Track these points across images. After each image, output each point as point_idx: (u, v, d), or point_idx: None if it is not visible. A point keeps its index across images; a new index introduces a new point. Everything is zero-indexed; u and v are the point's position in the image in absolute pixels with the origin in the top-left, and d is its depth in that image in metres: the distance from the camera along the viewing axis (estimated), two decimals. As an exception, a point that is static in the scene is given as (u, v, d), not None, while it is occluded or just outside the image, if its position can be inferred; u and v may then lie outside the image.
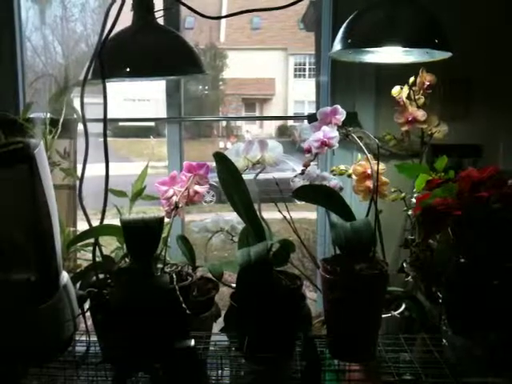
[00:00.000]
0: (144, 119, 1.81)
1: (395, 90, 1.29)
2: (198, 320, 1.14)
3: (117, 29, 1.05)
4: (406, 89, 1.29)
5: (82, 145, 1.07)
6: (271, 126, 5.72)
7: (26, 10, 1.62)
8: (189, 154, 1.66)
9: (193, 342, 0.99)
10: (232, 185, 1.06)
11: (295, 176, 1.14)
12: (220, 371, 1.05)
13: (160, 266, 1.09)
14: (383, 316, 1.11)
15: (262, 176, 1.14)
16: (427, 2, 1.04)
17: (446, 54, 1.08)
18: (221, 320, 1.21)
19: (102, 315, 1.02)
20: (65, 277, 1.04)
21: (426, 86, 1.27)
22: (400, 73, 1.27)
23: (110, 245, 1.25)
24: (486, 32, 1.40)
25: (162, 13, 1.11)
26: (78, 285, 1.13)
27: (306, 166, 1.13)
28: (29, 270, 0.94)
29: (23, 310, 0.95)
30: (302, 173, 1.13)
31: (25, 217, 0.94)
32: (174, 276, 1.04)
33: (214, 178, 1.13)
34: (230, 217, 1.20)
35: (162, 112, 1.61)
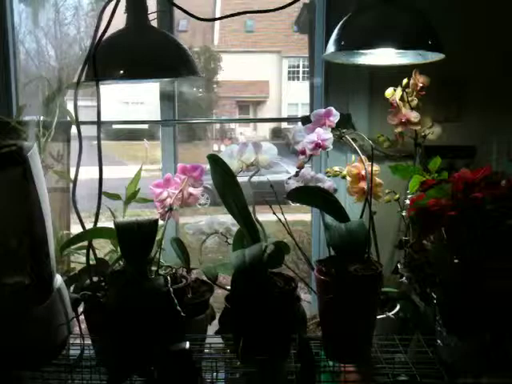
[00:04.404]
0: (138, 121, 1.81)
1: (388, 92, 1.30)
2: (192, 322, 1.14)
3: (110, 31, 1.05)
4: (399, 90, 1.29)
5: (76, 147, 1.07)
6: (265, 129, 5.72)
7: (19, 13, 1.62)
8: (183, 157, 1.66)
9: (188, 345, 0.99)
10: (226, 187, 1.06)
11: (289, 178, 1.14)
12: (215, 373, 1.05)
13: (154, 268, 1.09)
14: (378, 317, 1.11)
15: (256, 178, 1.14)
16: (420, 3, 1.05)
17: (439, 56, 1.08)
18: (216, 322, 1.21)
19: (96, 318, 1.01)
20: (58, 280, 1.03)
21: (419, 87, 1.28)
22: (393, 74, 1.28)
23: (104, 248, 1.24)
24: (479, 33, 1.41)
25: (155, 15, 1.11)
26: (71, 288, 1.12)
27: (300, 167, 1.13)
28: (22, 274, 0.94)
29: (17, 313, 0.94)
30: (296, 174, 1.13)
31: (18, 220, 0.94)
32: (169, 278, 1.04)
33: (208, 181, 1.13)
34: (225, 219, 1.20)
35: (155, 115, 1.61)
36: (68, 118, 1.44)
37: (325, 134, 1.11)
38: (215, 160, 1.06)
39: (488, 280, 0.96)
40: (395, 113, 1.29)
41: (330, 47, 1.08)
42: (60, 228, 1.40)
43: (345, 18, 1.08)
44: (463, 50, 1.34)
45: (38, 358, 0.98)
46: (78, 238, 1.10)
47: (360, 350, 1.05)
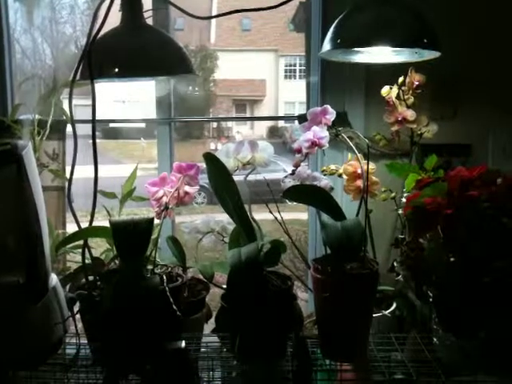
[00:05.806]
0: (134, 120, 1.81)
1: (385, 90, 1.30)
2: (188, 321, 1.13)
3: (105, 29, 1.04)
4: (395, 89, 1.29)
5: (71, 146, 1.06)
6: (262, 127, 5.72)
7: (14, 11, 1.61)
8: (179, 156, 1.66)
9: (184, 344, 0.98)
10: (222, 185, 1.06)
11: (286, 176, 1.14)
12: (211, 372, 1.05)
13: (150, 267, 1.09)
14: (374, 315, 1.11)
15: (252, 177, 1.14)
16: (418, 1, 1.05)
17: (435, 54, 1.08)
18: (212, 321, 1.21)
19: (91, 317, 1.01)
20: (54, 279, 1.03)
21: (415, 85, 1.28)
22: (389, 73, 1.28)
23: (100, 246, 1.24)
24: (475, 31, 1.41)
25: (151, 13, 1.10)
26: (67, 287, 1.12)
27: (297, 166, 1.13)
28: (17, 273, 0.93)
29: (12, 312, 0.94)
30: (293, 173, 1.13)
31: (13, 218, 0.93)
32: (165, 277, 1.04)
33: (204, 179, 1.13)
34: (221, 217, 1.20)
35: (152, 113, 1.61)
36: (63, 117, 1.43)
37: (321, 133, 1.11)
38: (211, 159, 1.06)
39: (484, 278, 0.96)
40: (391, 111, 1.29)
41: (326, 45, 1.08)
42: (56, 227, 1.40)
43: (341, 16, 1.08)
44: (460, 48, 1.35)
45: (34, 357, 0.98)
46: (74, 236, 1.09)
47: (356, 348, 1.05)
